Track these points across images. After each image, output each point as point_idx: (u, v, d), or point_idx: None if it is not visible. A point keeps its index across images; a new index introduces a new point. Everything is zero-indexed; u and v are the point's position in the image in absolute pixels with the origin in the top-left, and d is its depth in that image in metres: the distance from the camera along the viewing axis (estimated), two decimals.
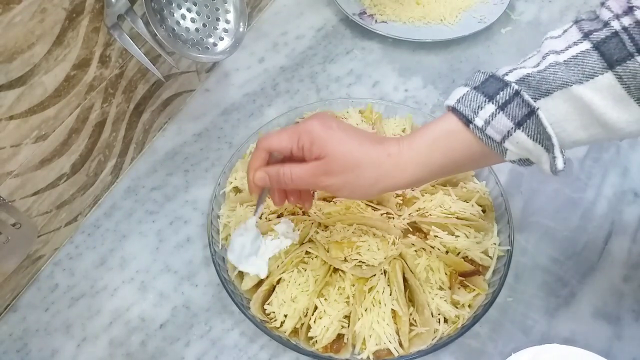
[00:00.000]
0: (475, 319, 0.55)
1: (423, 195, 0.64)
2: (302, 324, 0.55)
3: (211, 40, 0.62)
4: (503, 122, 0.42)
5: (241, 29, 0.63)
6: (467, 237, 0.60)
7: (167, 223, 0.68)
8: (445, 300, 0.56)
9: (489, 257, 0.60)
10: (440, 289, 0.57)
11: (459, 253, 0.60)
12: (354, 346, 0.55)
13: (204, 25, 0.61)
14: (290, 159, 0.49)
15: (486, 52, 0.85)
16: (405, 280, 0.58)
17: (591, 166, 0.70)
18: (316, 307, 0.56)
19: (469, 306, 0.57)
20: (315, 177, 0.47)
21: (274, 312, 0.56)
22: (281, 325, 0.56)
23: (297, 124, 0.49)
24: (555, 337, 0.58)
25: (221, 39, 0.63)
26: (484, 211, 0.64)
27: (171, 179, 0.72)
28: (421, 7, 0.88)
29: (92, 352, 0.58)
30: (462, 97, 0.45)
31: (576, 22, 0.43)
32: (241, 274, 0.59)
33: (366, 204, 0.63)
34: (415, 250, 0.59)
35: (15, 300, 0.62)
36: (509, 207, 0.62)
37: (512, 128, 0.42)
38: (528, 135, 0.42)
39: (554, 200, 0.68)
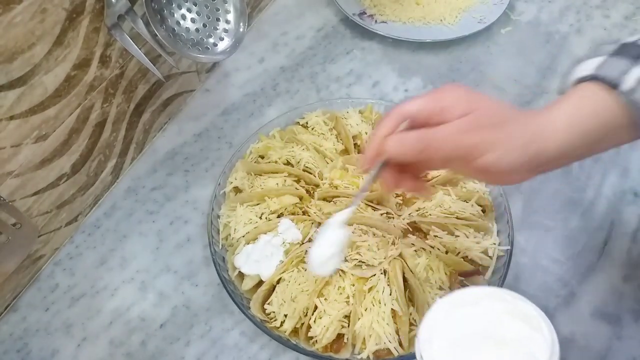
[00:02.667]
0: None
1: None
2: (302, 324, 0.56)
3: (211, 40, 0.62)
4: None
5: (241, 29, 0.64)
6: (467, 237, 0.60)
7: (168, 223, 0.68)
8: None
9: (489, 257, 0.60)
10: (440, 288, 0.57)
11: (458, 253, 0.60)
12: (354, 346, 0.55)
13: (204, 25, 0.61)
14: (420, 127, 0.42)
15: (486, 52, 0.85)
16: (405, 280, 0.58)
17: (591, 166, 0.70)
18: (316, 307, 0.56)
19: None
20: (462, 134, 0.40)
21: (274, 312, 0.56)
22: (281, 325, 0.56)
23: (430, 91, 0.43)
24: None
25: (221, 39, 0.63)
26: (483, 211, 0.64)
27: (171, 179, 0.72)
28: (421, 8, 0.88)
29: (93, 352, 0.58)
30: (602, 65, 0.41)
31: None
32: (241, 274, 0.60)
33: (366, 204, 0.63)
34: (415, 250, 0.59)
35: (16, 300, 0.62)
36: (508, 207, 0.62)
37: None
38: None
39: (554, 200, 0.68)
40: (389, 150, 0.42)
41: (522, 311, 0.39)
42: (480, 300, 0.40)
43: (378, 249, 0.59)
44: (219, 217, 0.64)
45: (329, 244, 0.48)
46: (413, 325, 0.55)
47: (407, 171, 0.46)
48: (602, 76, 0.41)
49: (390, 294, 0.56)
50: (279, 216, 0.63)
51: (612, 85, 0.40)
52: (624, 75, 0.40)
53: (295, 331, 0.56)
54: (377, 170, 0.44)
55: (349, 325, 0.55)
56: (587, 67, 0.42)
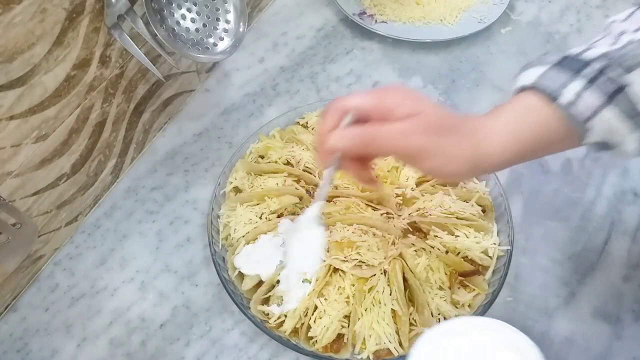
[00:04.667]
0: None
1: (423, 195, 0.64)
2: (302, 324, 0.55)
3: (211, 40, 0.62)
4: (590, 100, 0.40)
5: (241, 29, 0.63)
6: (467, 237, 0.60)
7: (167, 223, 0.68)
8: (445, 300, 0.56)
9: (489, 257, 0.60)
10: (440, 288, 0.57)
11: (458, 253, 0.60)
12: (353, 346, 0.55)
13: (204, 25, 0.61)
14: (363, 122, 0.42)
15: (486, 52, 0.85)
16: (405, 280, 0.58)
17: (591, 166, 0.70)
18: (316, 307, 0.56)
19: (469, 306, 0.57)
20: (408, 135, 0.40)
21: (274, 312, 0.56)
22: (281, 325, 0.56)
23: (374, 89, 0.43)
24: (555, 337, 0.58)
25: (221, 39, 0.63)
26: (483, 211, 0.64)
27: (171, 179, 0.72)
28: (421, 7, 0.88)
29: (92, 352, 0.58)
30: (543, 75, 0.42)
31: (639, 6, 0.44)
32: (241, 274, 0.60)
33: (366, 204, 0.63)
34: (415, 250, 0.59)
35: (16, 300, 0.62)
36: (508, 207, 0.62)
37: (599, 106, 0.40)
38: (615, 113, 0.40)
39: (554, 200, 0.68)
40: (332, 146, 0.42)
41: (513, 342, 0.39)
42: (470, 331, 0.40)
43: (378, 249, 0.59)
44: (218, 217, 0.64)
45: (307, 245, 0.45)
46: (413, 325, 0.55)
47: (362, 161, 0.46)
48: (542, 87, 0.42)
49: (390, 294, 0.56)
50: (279, 216, 0.63)
51: (551, 97, 0.41)
52: (563, 88, 0.41)
53: (295, 331, 0.56)
54: (331, 170, 0.44)
55: (349, 326, 0.55)
56: (530, 76, 0.43)
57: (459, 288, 0.58)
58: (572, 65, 0.42)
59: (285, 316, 0.56)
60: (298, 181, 0.66)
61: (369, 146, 0.41)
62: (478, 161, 0.42)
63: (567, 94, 0.41)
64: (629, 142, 0.41)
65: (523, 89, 0.44)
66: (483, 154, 0.42)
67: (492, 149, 0.43)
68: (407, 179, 0.65)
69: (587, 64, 0.41)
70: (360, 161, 0.45)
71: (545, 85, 0.42)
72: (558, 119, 0.42)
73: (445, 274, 0.58)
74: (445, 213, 0.62)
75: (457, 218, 0.62)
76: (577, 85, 0.41)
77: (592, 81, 0.40)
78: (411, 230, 0.62)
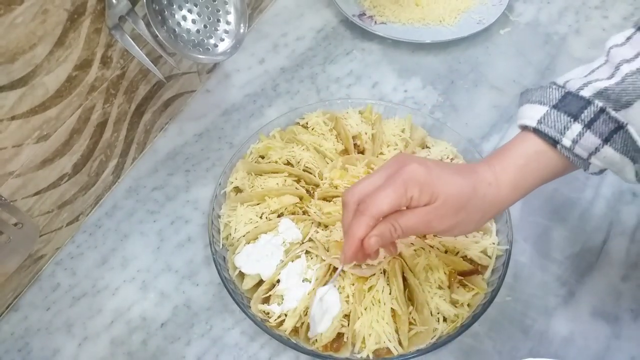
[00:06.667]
0: (474, 318, 0.55)
1: None
2: (303, 323, 0.56)
3: (212, 41, 0.62)
4: (590, 140, 0.43)
5: (242, 30, 0.64)
6: (466, 237, 0.61)
7: (168, 223, 0.68)
8: (444, 300, 0.56)
9: (488, 256, 0.60)
10: (440, 288, 0.58)
11: (457, 252, 0.60)
12: (353, 345, 0.55)
13: (205, 26, 0.62)
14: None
15: (485, 53, 0.85)
16: (404, 279, 0.58)
17: None
18: None
19: (468, 305, 0.57)
20: (427, 224, 0.46)
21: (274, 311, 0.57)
22: (281, 324, 0.56)
23: (391, 173, 0.46)
24: (554, 337, 0.58)
25: (222, 40, 0.63)
26: None
27: (172, 179, 0.72)
28: (420, 9, 0.88)
29: (94, 351, 0.59)
30: (544, 118, 0.45)
31: (638, 28, 0.45)
32: (242, 274, 0.60)
33: None
34: (415, 250, 0.60)
35: (17, 299, 0.62)
36: None
37: (599, 144, 0.43)
38: (615, 150, 0.43)
39: (553, 200, 0.68)
40: (372, 249, 0.47)
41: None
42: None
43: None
44: (219, 216, 0.65)
45: (323, 309, 0.55)
46: (412, 324, 0.56)
47: None
48: (544, 132, 0.45)
49: (390, 294, 0.57)
50: (279, 216, 0.63)
51: (554, 141, 0.45)
52: (565, 131, 0.44)
53: (295, 330, 0.56)
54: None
55: (348, 325, 0.56)
56: (532, 115, 0.46)
57: (458, 287, 0.58)
58: (573, 105, 0.44)
59: (286, 315, 0.56)
60: (298, 181, 0.67)
61: (400, 237, 0.47)
62: (490, 216, 0.49)
63: (570, 136, 0.44)
64: (628, 172, 0.45)
65: (528, 129, 0.47)
66: (494, 210, 0.48)
67: (501, 202, 0.48)
68: None
69: (588, 102, 0.43)
70: None
71: (547, 130, 0.45)
72: (561, 157, 0.46)
73: (445, 273, 0.58)
74: None
75: None
76: (576, 128, 0.44)
77: (592, 122, 0.43)
78: None
